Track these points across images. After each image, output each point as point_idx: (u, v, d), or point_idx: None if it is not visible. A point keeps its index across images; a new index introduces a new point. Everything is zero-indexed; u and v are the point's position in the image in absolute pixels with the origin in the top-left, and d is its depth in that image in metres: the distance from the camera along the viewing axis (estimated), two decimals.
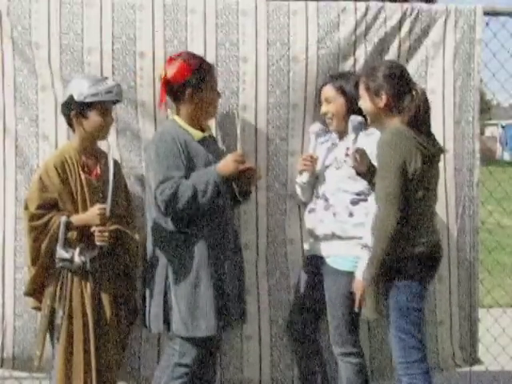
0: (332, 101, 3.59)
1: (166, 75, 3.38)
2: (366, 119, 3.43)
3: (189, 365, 3.40)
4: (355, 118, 3.48)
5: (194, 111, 3.43)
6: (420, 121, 3.21)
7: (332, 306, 3.53)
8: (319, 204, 3.59)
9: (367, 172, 3.34)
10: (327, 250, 3.56)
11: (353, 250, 3.42)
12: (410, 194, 3.15)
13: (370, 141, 3.41)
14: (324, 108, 3.63)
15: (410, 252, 3.17)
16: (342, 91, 3.56)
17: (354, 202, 3.48)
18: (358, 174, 3.39)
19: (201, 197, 3.24)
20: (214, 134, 3.63)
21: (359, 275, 3.31)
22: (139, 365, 3.82)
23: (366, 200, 3.46)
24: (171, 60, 3.41)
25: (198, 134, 3.43)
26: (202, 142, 3.43)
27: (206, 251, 3.35)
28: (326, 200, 3.56)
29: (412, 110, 3.19)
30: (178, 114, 3.46)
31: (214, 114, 3.55)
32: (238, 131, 3.59)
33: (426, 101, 3.24)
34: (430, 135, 3.27)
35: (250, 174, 3.39)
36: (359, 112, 3.43)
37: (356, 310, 3.31)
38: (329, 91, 3.60)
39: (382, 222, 3.13)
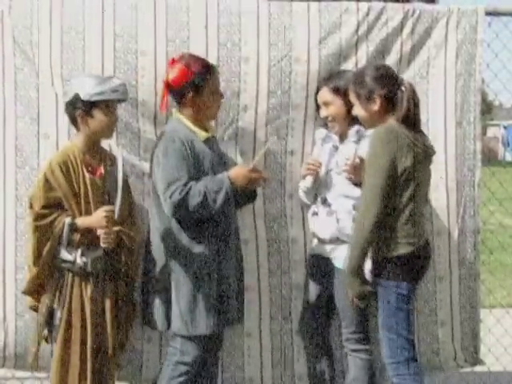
0: (330, 104, 3.57)
1: (167, 79, 3.38)
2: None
3: (190, 363, 3.41)
4: (357, 129, 3.48)
5: (195, 113, 3.43)
6: (411, 116, 3.18)
7: (342, 307, 3.53)
8: (322, 209, 3.59)
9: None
10: (333, 252, 3.56)
11: None
12: (399, 192, 3.13)
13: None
14: (324, 112, 3.61)
15: (399, 252, 3.15)
16: (338, 92, 3.52)
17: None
18: (355, 184, 3.38)
19: (211, 203, 3.25)
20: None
21: None
22: (141, 365, 3.82)
23: None
24: (173, 62, 3.41)
25: (203, 134, 3.43)
26: (206, 141, 3.44)
27: (208, 251, 3.36)
28: (329, 206, 3.56)
29: (404, 106, 3.17)
30: (181, 113, 3.46)
31: (215, 115, 3.55)
32: (265, 147, 3.55)
33: (414, 94, 3.22)
34: (421, 132, 3.25)
35: (260, 181, 3.40)
36: None
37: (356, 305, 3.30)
38: (325, 94, 3.58)
39: (362, 213, 3.12)
